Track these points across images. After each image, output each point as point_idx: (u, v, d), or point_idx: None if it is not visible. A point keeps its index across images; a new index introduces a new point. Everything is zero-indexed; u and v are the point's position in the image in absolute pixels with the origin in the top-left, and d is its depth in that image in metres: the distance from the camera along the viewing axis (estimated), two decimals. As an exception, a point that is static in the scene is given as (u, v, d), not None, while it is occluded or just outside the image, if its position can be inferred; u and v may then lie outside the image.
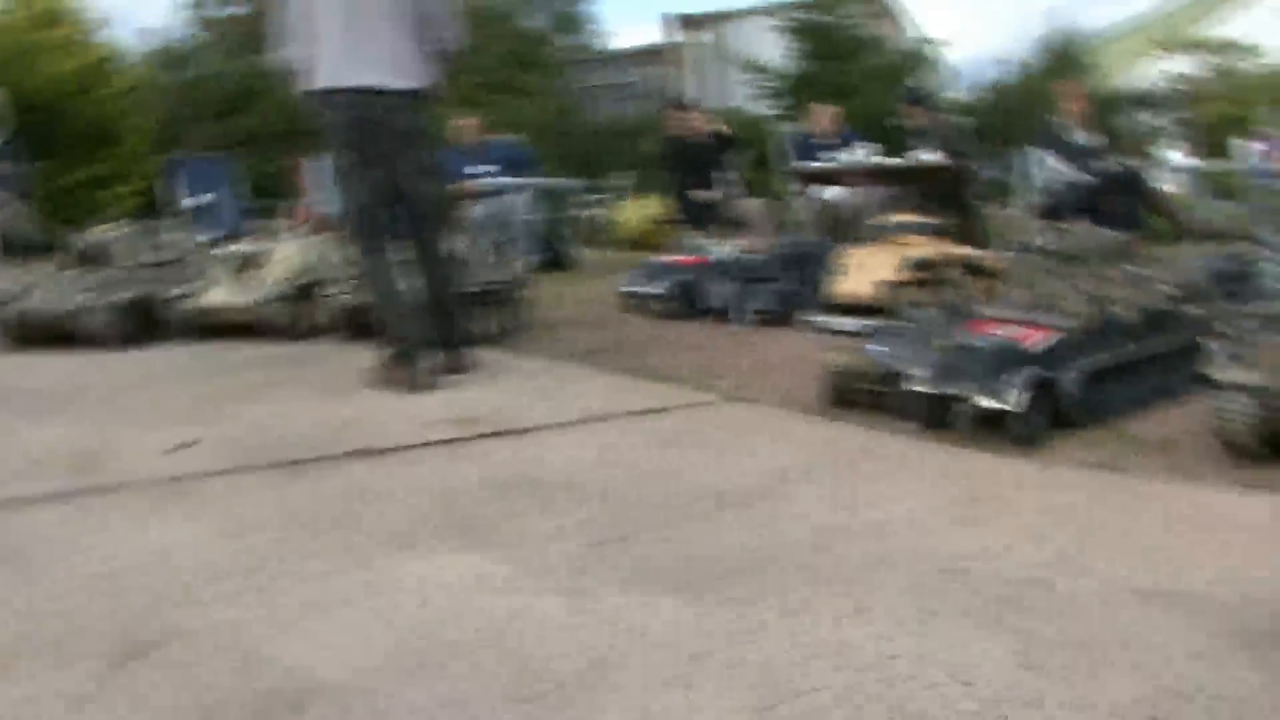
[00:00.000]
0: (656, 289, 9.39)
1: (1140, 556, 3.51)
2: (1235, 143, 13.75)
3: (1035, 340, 5.39)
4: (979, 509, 4.04)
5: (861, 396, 5.70)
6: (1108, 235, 7.60)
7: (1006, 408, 5.04)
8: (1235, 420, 4.65)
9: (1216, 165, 13.36)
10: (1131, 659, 2.77)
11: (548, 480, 4.43)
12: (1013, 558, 3.50)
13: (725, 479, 4.43)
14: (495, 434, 5.17)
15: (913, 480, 4.44)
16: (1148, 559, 3.49)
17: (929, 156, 10.90)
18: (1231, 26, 17.83)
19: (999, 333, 5.54)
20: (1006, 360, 5.24)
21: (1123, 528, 3.81)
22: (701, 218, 12.56)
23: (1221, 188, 12.09)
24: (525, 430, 5.24)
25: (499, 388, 6.21)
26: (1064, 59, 16.88)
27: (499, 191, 12.83)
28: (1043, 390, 5.09)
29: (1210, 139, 14.08)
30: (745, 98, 22.03)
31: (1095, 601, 3.14)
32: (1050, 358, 5.29)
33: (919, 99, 12.71)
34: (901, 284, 8.53)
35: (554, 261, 12.85)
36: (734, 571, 3.41)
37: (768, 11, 23.79)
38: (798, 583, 3.31)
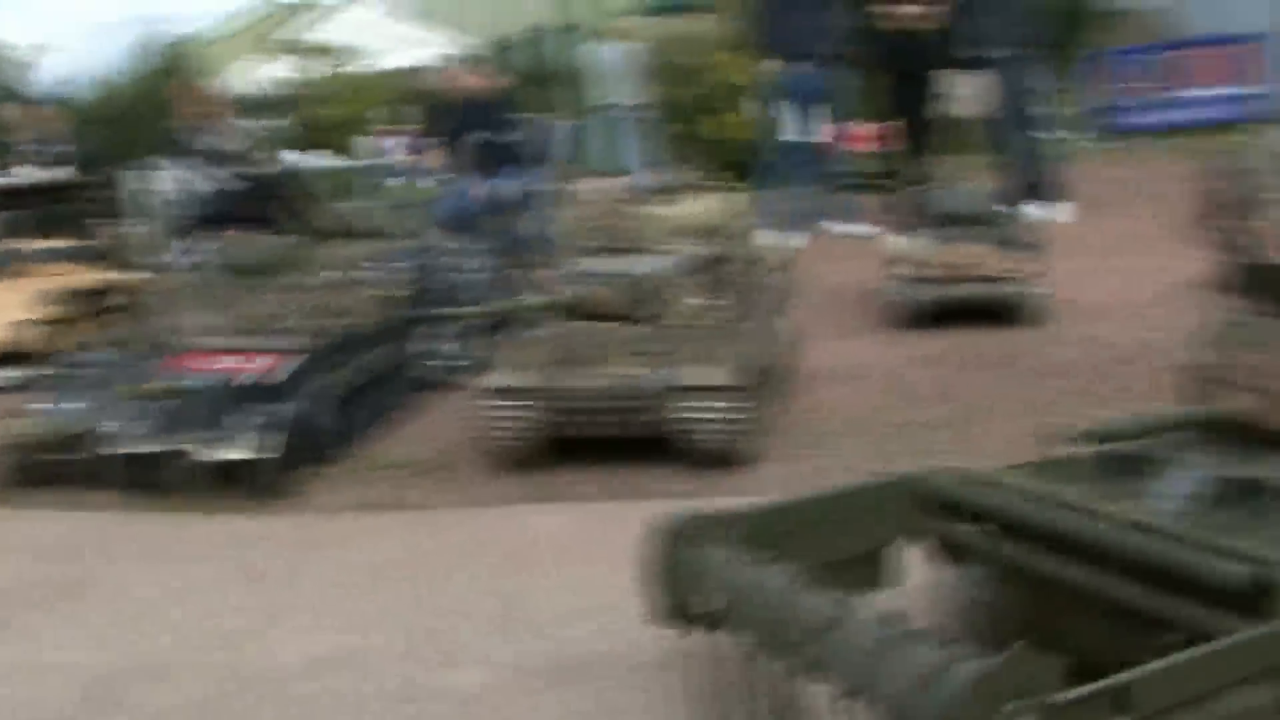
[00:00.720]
0: None
1: (503, 614, 2.91)
2: (361, 141, 13.78)
3: (263, 369, 4.58)
4: (276, 592, 3.21)
5: (53, 469, 4.55)
6: (278, 243, 6.95)
7: (246, 455, 4.21)
8: (509, 426, 4.22)
9: (350, 164, 13.29)
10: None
11: None
12: (367, 656, 2.72)
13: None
14: None
15: (179, 568, 3.48)
16: (513, 616, 2.89)
17: (46, 173, 9.51)
18: (324, 31, 17.98)
19: (216, 366, 4.65)
20: (235, 398, 4.39)
21: (456, 583, 3.19)
22: None
23: (354, 187, 12.01)
24: None
25: None
26: (171, 64, 15.94)
27: None
28: (286, 426, 4.32)
29: (332, 139, 14.01)
30: None
31: (491, 695, 2.47)
32: (287, 387, 4.52)
33: (22, 97, 11.17)
34: (49, 321, 7.26)
35: None
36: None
37: None
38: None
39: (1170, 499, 2.18)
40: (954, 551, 2.40)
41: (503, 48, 14.39)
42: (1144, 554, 1.97)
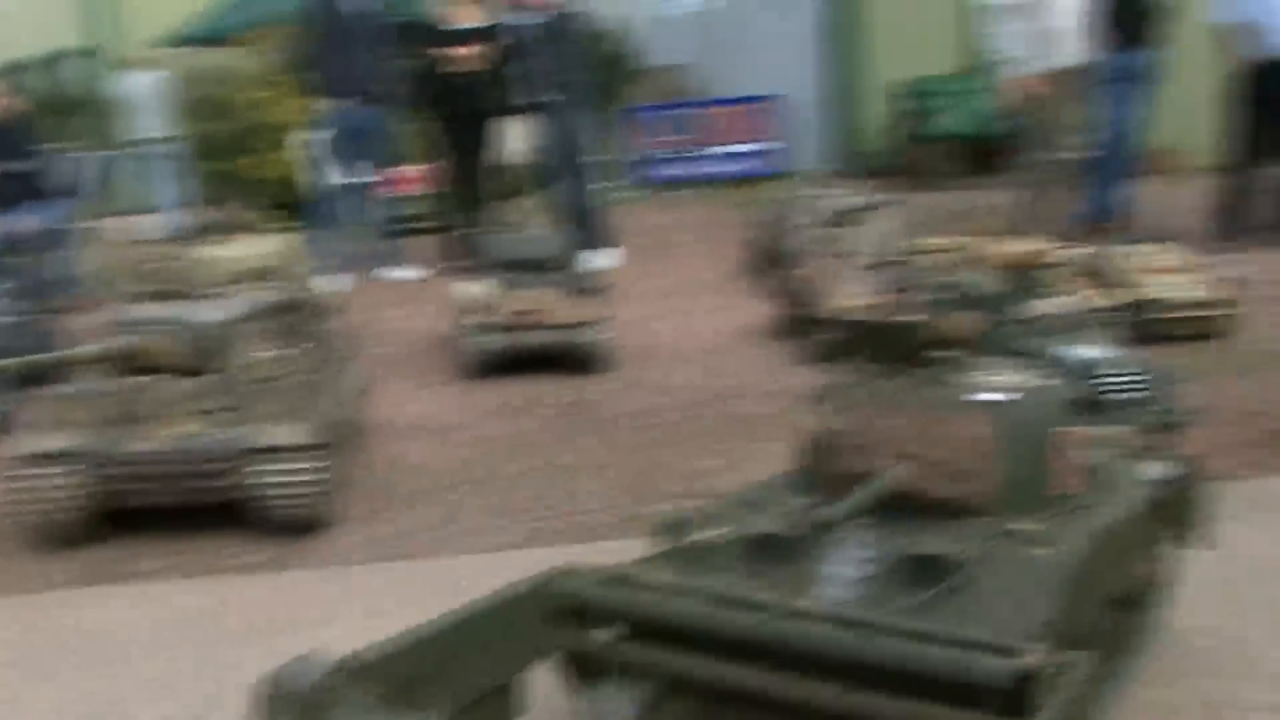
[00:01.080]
0: None
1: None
2: None
3: None
4: None
5: None
6: None
7: None
8: (51, 497, 3.70)
9: None
10: None
11: None
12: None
13: None
14: None
15: None
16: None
17: None
18: None
19: None
20: None
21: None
22: None
23: None
24: None
25: None
26: None
27: None
28: None
29: None
30: None
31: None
32: None
33: None
34: None
35: None
36: None
37: None
38: None
39: (841, 584, 2.03)
40: (600, 668, 2.09)
41: (15, 70, 13.16)
42: (861, 651, 1.80)
